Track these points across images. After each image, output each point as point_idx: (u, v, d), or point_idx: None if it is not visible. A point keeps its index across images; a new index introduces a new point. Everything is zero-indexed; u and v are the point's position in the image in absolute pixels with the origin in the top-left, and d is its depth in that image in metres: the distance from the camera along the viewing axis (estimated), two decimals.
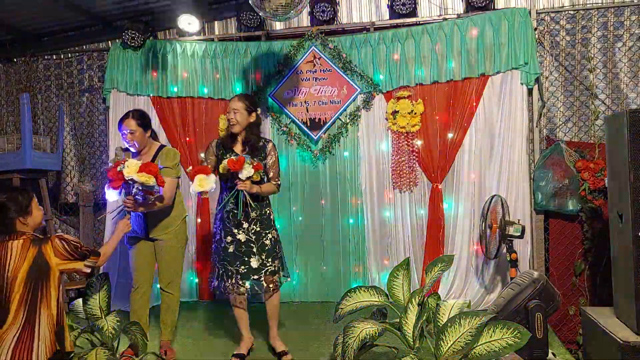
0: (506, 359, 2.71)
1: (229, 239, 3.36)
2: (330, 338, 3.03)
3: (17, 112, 5.46)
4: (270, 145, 3.45)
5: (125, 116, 3.39)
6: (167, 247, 3.47)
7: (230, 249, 3.36)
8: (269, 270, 3.36)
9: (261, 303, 3.55)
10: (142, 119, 3.40)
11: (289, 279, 3.59)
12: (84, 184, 5.52)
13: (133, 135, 3.34)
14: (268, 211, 3.46)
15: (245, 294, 3.40)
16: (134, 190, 3.17)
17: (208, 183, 3.22)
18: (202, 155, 3.70)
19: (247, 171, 3.16)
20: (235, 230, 3.35)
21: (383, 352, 3.05)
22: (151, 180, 3.07)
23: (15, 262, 2.48)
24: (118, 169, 3.08)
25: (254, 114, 3.41)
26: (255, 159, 3.28)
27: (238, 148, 3.41)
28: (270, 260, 3.37)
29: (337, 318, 2.95)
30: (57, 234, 2.61)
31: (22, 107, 4.83)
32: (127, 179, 3.06)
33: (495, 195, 4.34)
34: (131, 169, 3.06)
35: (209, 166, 3.40)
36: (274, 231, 3.45)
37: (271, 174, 3.42)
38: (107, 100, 5.27)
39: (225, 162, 3.20)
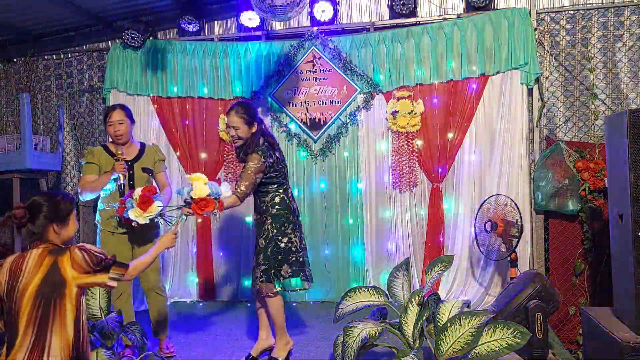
0: (506, 359, 2.71)
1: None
2: (330, 338, 3.02)
3: (17, 112, 5.46)
4: (253, 155, 3.20)
5: (112, 108, 3.53)
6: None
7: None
8: (256, 275, 3.30)
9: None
10: (128, 110, 3.55)
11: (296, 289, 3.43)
12: None
13: (121, 125, 3.45)
14: (265, 215, 3.30)
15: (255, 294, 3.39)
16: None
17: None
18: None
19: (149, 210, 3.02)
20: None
21: (383, 352, 3.05)
22: (158, 207, 3.14)
23: (28, 274, 2.14)
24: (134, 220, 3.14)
25: (254, 125, 3.27)
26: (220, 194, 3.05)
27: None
28: (258, 263, 3.29)
29: (337, 318, 2.94)
30: (78, 244, 2.24)
31: (22, 107, 4.83)
32: (146, 221, 3.12)
33: (497, 194, 4.33)
34: (140, 214, 3.13)
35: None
36: (270, 236, 3.27)
37: (238, 181, 3.19)
38: (107, 100, 5.27)
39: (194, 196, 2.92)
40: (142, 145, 3.63)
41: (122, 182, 3.36)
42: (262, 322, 3.47)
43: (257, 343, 3.49)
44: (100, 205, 3.51)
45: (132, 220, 3.13)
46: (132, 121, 3.57)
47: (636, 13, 4.58)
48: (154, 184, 3.61)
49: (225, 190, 3.03)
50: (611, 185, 3.40)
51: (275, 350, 3.40)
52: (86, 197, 3.50)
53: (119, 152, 3.38)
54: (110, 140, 3.56)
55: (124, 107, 3.55)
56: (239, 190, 3.14)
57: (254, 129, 3.28)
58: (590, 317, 3.43)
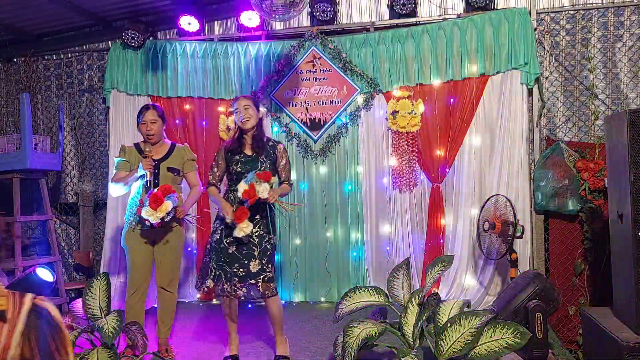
0: (506, 359, 2.71)
1: (231, 239, 3.25)
2: (330, 338, 3.02)
3: (17, 112, 5.46)
4: (281, 147, 3.45)
5: (146, 107, 3.60)
6: (170, 246, 3.49)
7: (231, 250, 3.26)
8: (267, 276, 3.25)
9: (260, 305, 3.47)
10: (161, 111, 3.63)
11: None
12: (84, 184, 5.52)
13: (154, 124, 3.51)
14: (272, 214, 3.36)
15: (242, 298, 3.33)
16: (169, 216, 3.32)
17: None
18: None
19: (263, 190, 3.15)
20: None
21: (383, 352, 3.05)
22: (168, 207, 3.25)
23: None
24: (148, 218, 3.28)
25: (259, 111, 3.43)
26: (261, 167, 3.30)
27: (248, 151, 3.37)
28: (270, 266, 3.28)
29: (337, 318, 2.94)
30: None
31: (22, 107, 4.83)
32: (157, 220, 3.25)
33: (497, 194, 4.34)
34: (151, 214, 3.26)
35: (217, 173, 3.42)
36: (274, 237, 3.38)
37: (283, 176, 3.43)
38: (107, 100, 5.28)
39: (239, 193, 3.17)
40: (173, 146, 3.65)
41: (149, 178, 3.41)
42: (233, 326, 3.44)
43: (233, 342, 3.45)
44: (129, 204, 3.55)
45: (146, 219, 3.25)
46: (164, 121, 3.63)
47: (636, 13, 4.58)
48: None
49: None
50: (611, 185, 3.40)
51: (281, 348, 3.39)
52: (114, 192, 3.59)
53: (147, 150, 3.45)
54: (143, 139, 3.62)
55: (156, 107, 3.62)
56: (291, 180, 3.48)
57: (260, 115, 3.41)
58: (590, 317, 3.43)
